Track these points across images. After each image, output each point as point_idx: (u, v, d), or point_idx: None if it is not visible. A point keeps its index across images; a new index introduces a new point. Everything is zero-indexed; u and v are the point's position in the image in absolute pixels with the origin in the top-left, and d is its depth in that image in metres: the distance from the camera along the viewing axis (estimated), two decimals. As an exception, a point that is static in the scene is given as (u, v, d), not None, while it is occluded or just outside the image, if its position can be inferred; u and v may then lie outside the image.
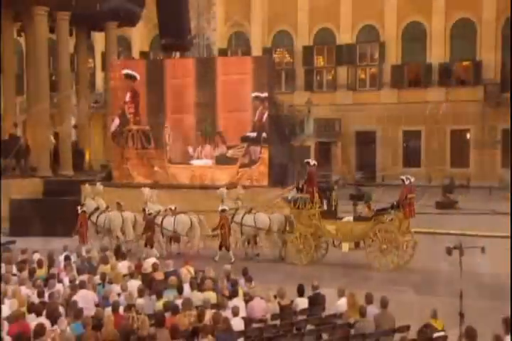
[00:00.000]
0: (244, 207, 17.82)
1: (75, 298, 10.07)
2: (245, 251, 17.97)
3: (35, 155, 25.90)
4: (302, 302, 10.53)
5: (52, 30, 27.18)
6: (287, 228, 17.59)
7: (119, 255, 13.84)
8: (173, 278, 11.23)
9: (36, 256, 13.35)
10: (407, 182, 16.32)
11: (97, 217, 18.70)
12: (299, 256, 16.92)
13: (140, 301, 10.33)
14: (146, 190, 18.76)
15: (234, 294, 10.25)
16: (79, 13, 25.95)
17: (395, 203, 16.47)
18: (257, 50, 37.83)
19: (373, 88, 37.25)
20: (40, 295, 10.06)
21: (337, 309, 10.21)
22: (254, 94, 20.73)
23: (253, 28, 38.86)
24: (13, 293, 9.89)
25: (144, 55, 39.02)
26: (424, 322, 8.75)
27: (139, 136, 22.28)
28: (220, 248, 17.24)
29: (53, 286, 10.67)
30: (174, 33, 23.74)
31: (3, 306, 9.26)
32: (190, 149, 21.68)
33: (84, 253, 14.09)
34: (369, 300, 9.64)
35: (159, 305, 10.11)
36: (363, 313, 9.30)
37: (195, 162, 21.70)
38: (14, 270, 11.87)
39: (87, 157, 29.22)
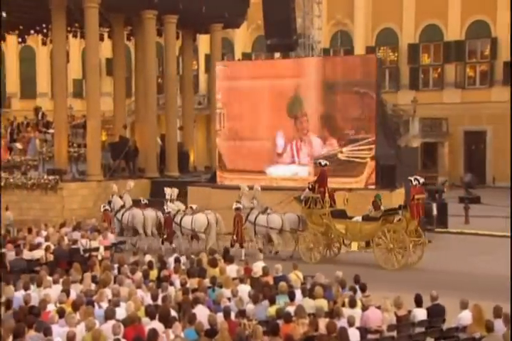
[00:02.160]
0: (259, 207, 18.02)
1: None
2: (263, 250, 17.74)
3: (143, 156, 26.49)
4: (420, 313, 9.99)
5: (159, 34, 27.75)
6: (300, 227, 17.79)
7: (227, 258, 13.68)
8: (283, 284, 10.94)
9: (147, 258, 13.38)
10: (415, 183, 16.17)
11: (122, 214, 19.27)
12: (310, 254, 17.07)
13: (250, 307, 10.12)
14: (169, 190, 19.02)
15: (352, 303, 9.80)
16: (185, 15, 26.32)
17: (403, 204, 16.60)
18: (360, 49, 37.07)
19: (483, 86, 35.57)
20: (155, 298, 10.01)
21: (459, 322, 9.61)
22: (355, 89, 20.17)
23: (356, 27, 38.11)
24: (129, 296, 9.91)
25: (246, 56, 39.16)
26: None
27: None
28: (240, 245, 17.37)
29: (166, 289, 10.62)
30: (280, 32, 23.48)
31: (118, 309, 9.28)
32: (288, 148, 21.42)
33: (193, 256, 14.07)
34: (497, 313, 8.98)
35: (271, 311, 9.84)
36: (490, 328, 8.65)
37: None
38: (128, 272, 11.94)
39: (191, 158, 29.58)
